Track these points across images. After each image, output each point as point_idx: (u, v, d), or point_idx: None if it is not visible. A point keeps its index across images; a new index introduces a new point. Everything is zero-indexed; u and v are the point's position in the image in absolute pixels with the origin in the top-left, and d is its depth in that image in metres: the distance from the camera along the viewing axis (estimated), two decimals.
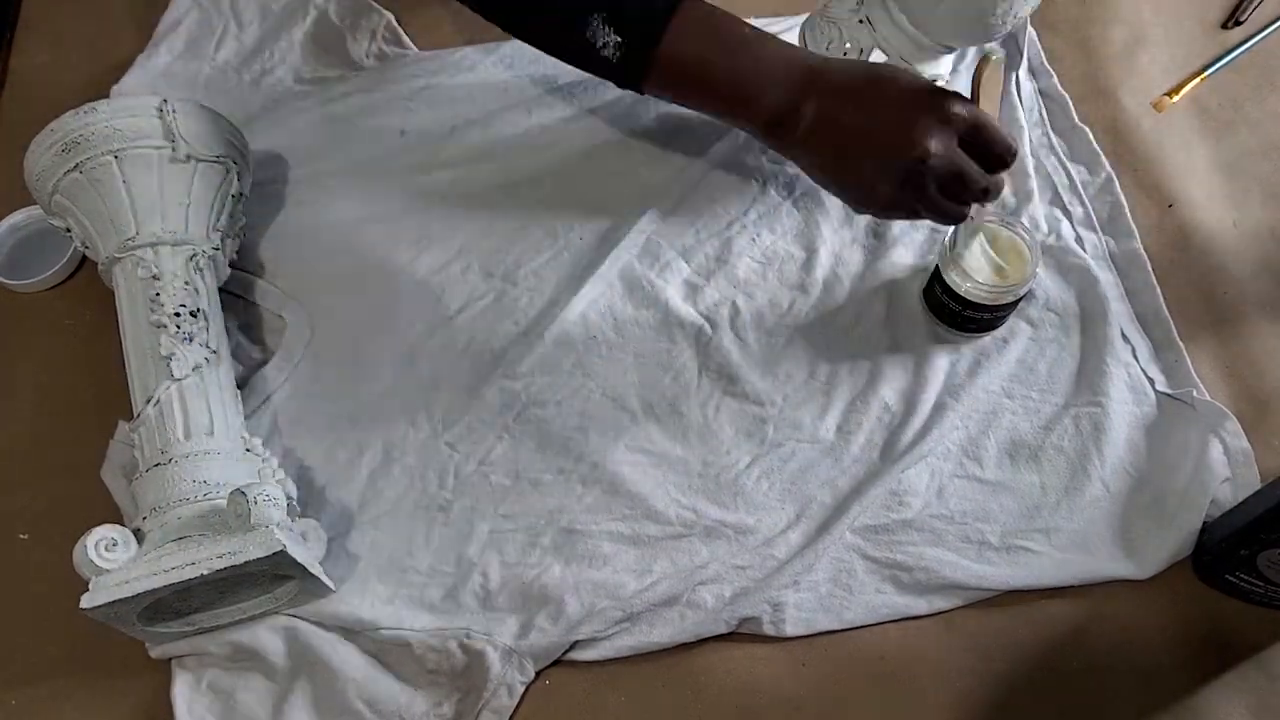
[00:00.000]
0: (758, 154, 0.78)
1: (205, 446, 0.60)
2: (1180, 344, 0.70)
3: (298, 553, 0.57)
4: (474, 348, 0.71)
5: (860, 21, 0.68)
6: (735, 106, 0.60)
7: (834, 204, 0.76)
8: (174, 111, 0.66)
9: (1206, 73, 0.82)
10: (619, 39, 0.57)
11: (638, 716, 0.60)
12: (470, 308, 0.73)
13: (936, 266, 0.68)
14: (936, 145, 0.56)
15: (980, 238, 0.67)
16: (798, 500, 0.65)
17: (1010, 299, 0.66)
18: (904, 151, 0.57)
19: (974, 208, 0.61)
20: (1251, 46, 0.84)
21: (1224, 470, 0.65)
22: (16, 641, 0.63)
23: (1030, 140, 0.78)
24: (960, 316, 0.68)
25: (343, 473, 0.67)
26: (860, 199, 0.62)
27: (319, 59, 0.85)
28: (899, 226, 0.75)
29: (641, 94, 0.62)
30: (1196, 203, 0.76)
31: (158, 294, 0.63)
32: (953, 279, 0.66)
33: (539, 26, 0.61)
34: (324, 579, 0.61)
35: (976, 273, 0.66)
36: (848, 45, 0.69)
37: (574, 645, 0.61)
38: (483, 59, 0.84)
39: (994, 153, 0.59)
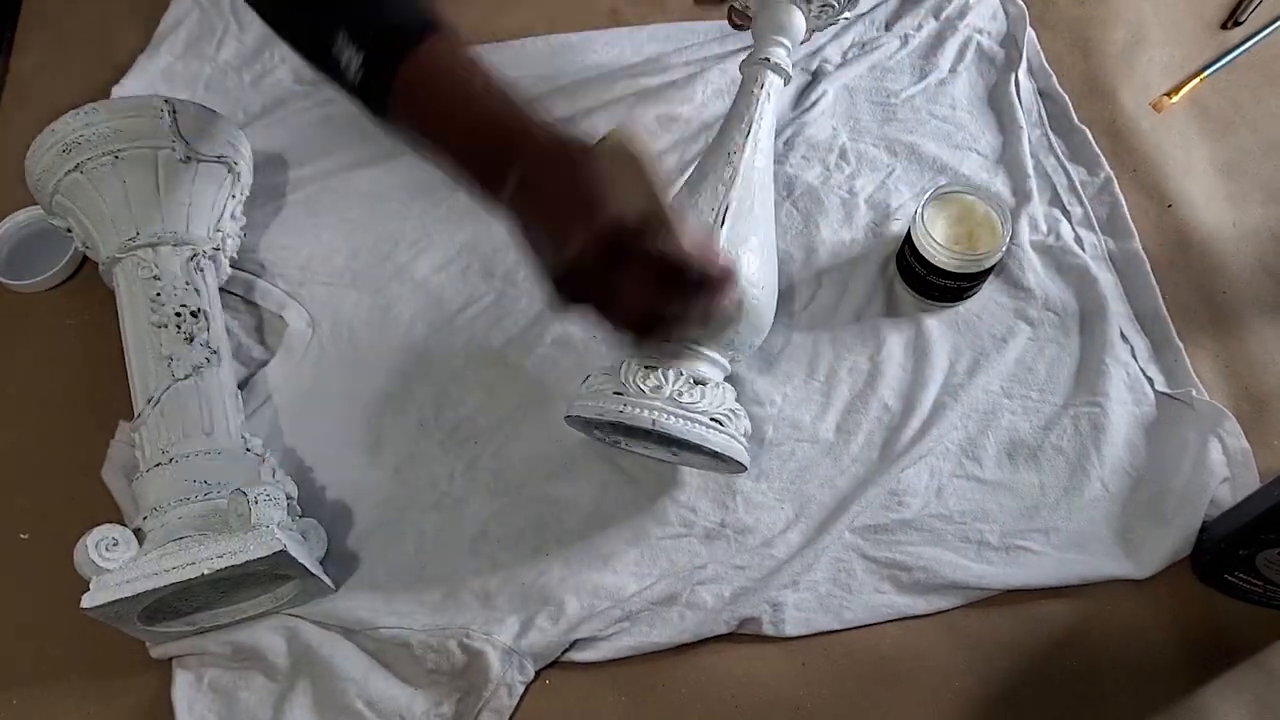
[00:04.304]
0: None
1: (205, 446, 0.60)
2: (1179, 344, 0.70)
3: (298, 552, 0.57)
4: (474, 348, 0.71)
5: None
6: (456, 161, 0.51)
7: (833, 204, 0.76)
8: (174, 112, 0.66)
9: (1206, 73, 0.82)
10: (359, 58, 0.50)
11: (637, 716, 0.60)
12: (470, 308, 0.73)
13: (909, 231, 0.69)
14: (588, 255, 0.45)
15: (954, 208, 0.69)
16: (797, 500, 0.65)
17: (976, 269, 0.67)
18: (563, 251, 0.45)
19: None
20: (1251, 47, 0.84)
21: (1223, 470, 0.65)
22: (16, 641, 0.63)
23: (1029, 140, 0.79)
24: (925, 282, 0.69)
25: (343, 473, 0.67)
26: (543, 277, 0.49)
27: None
28: (899, 226, 0.75)
29: (389, 126, 0.52)
30: (1196, 203, 0.76)
31: (158, 294, 0.63)
32: (921, 244, 0.67)
33: (294, 34, 0.54)
34: (324, 579, 0.61)
35: (944, 240, 0.67)
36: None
37: (574, 645, 0.61)
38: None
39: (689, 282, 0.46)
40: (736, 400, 0.61)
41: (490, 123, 0.48)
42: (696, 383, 0.59)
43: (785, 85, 0.69)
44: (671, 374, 0.59)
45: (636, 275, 0.45)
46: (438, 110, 0.49)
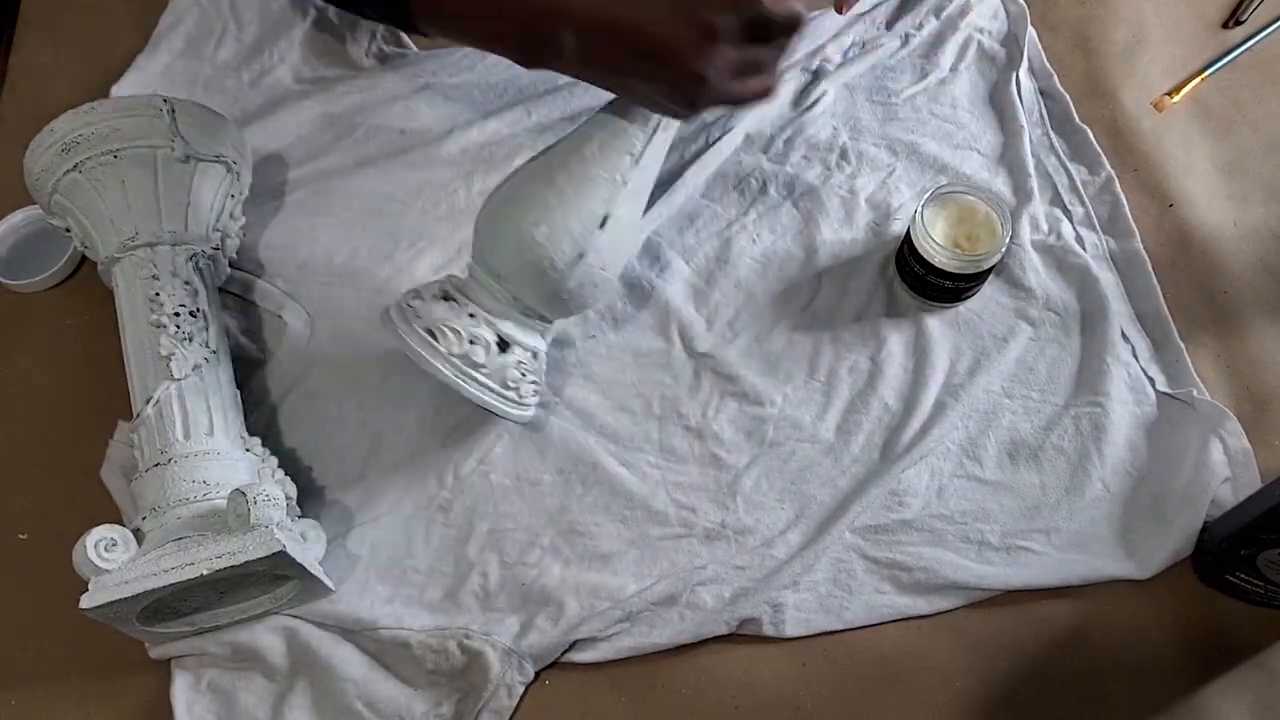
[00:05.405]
0: (757, 153, 0.78)
1: (205, 446, 0.60)
2: (1180, 343, 0.70)
3: (297, 553, 0.57)
4: None
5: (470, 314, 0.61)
6: (494, 44, 0.58)
7: (833, 204, 0.76)
8: (173, 111, 0.66)
9: (1207, 72, 0.82)
10: None
11: (637, 717, 0.60)
12: None
13: (908, 231, 0.68)
14: (712, 62, 0.53)
15: (954, 209, 0.69)
16: (797, 500, 0.65)
17: (974, 270, 0.67)
18: (679, 78, 0.54)
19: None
20: (1252, 46, 0.83)
21: (1224, 470, 0.64)
22: (16, 641, 0.63)
23: (1031, 140, 0.78)
24: (924, 282, 0.69)
25: (343, 473, 0.67)
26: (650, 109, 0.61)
27: (319, 59, 0.84)
28: (900, 226, 0.75)
29: (420, 32, 0.59)
30: (1197, 202, 0.76)
31: (157, 294, 0.63)
32: (920, 245, 0.67)
33: None
34: (324, 579, 0.61)
35: (944, 240, 0.67)
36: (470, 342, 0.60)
37: (573, 646, 0.61)
38: (482, 58, 0.84)
39: (775, 25, 0.54)
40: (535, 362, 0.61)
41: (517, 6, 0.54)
42: (499, 345, 0.58)
43: None
44: (476, 329, 0.58)
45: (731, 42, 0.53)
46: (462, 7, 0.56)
